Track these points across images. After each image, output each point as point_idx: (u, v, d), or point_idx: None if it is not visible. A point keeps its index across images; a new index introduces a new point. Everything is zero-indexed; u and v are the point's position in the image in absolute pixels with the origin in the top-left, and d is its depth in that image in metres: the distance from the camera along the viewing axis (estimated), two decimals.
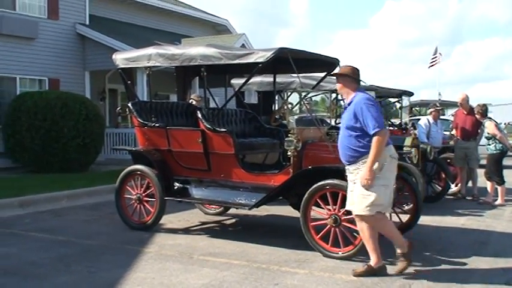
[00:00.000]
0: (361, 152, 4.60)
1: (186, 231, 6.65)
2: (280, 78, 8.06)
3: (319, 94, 8.91)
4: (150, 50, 6.63)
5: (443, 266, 5.09)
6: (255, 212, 6.96)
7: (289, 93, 8.08)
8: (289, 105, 8.11)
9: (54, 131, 11.65)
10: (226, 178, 6.11)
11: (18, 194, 8.53)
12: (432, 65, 25.73)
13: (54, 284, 4.59)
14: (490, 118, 8.86)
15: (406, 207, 6.46)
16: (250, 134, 7.14)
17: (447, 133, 10.79)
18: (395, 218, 6.20)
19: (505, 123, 23.43)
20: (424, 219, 6.59)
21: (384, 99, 10.73)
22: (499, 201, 8.63)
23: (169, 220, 7.03)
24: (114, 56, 7.00)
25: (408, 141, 8.13)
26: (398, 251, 4.77)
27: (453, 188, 9.43)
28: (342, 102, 10.48)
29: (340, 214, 5.18)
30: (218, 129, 6.07)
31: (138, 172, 6.58)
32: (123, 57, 6.89)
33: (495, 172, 8.70)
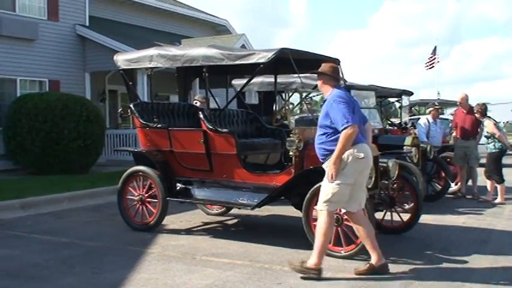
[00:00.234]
0: (333, 149, 4.63)
1: (189, 231, 6.68)
2: (281, 79, 8.10)
3: (320, 94, 8.92)
4: (152, 51, 6.66)
5: (444, 265, 5.13)
6: (257, 212, 6.99)
7: (290, 94, 8.12)
8: (290, 106, 8.15)
9: (54, 133, 11.66)
10: (228, 178, 6.13)
11: (19, 196, 8.53)
12: (430, 67, 25.74)
13: (59, 285, 4.60)
14: (489, 117, 8.90)
15: (407, 206, 6.50)
16: (251, 135, 7.17)
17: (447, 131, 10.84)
18: (396, 217, 6.24)
19: (503, 122, 23.47)
20: (425, 218, 6.63)
21: (383, 98, 10.75)
22: (498, 200, 8.67)
23: (171, 221, 7.05)
24: (115, 57, 7.02)
25: (408, 140, 8.18)
26: (311, 262, 4.67)
27: (453, 187, 9.47)
28: None
29: (341, 214, 5.21)
30: (220, 129, 6.10)
31: (140, 173, 6.61)
32: (124, 59, 6.91)
33: (495, 171, 8.75)
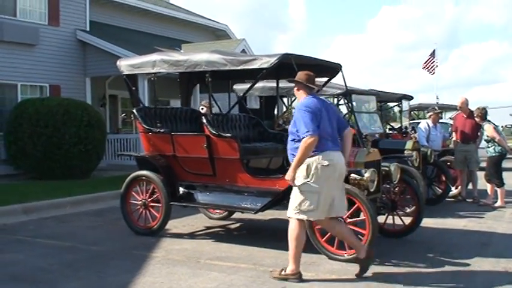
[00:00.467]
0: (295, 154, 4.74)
1: (192, 236, 6.71)
2: (282, 84, 8.14)
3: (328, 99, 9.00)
4: (155, 57, 6.71)
5: (447, 267, 5.17)
6: (259, 216, 7.02)
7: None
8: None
9: (55, 138, 11.68)
10: (231, 183, 6.17)
11: (21, 200, 8.56)
12: (432, 72, 25.76)
13: None
14: (489, 121, 8.96)
15: (408, 210, 6.54)
16: (254, 139, 7.21)
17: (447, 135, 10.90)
18: (398, 221, 6.29)
19: (502, 126, 23.55)
20: (426, 222, 6.67)
21: (384, 103, 10.81)
22: (499, 203, 8.72)
23: (174, 225, 7.08)
24: (118, 63, 7.06)
25: (409, 144, 8.24)
26: (289, 268, 4.74)
27: (453, 190, 9.52)
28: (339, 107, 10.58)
29: (344, 217, 5.25)
30: (223, 134, 6.14)
31: (144, 178, 6.65)
32: (127, 64, 6.95)
33: (495, 174, 8.80)
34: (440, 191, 9.06)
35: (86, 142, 12.02)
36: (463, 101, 9.39)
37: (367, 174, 5.33)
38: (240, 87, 9.18)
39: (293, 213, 4.77)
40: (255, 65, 5.79)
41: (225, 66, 6.04)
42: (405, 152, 8.14)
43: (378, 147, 6.92)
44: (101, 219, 7.98)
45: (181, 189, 6.58)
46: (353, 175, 5.33)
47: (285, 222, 7.30)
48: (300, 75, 4.96)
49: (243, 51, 17.02)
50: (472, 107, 9.49)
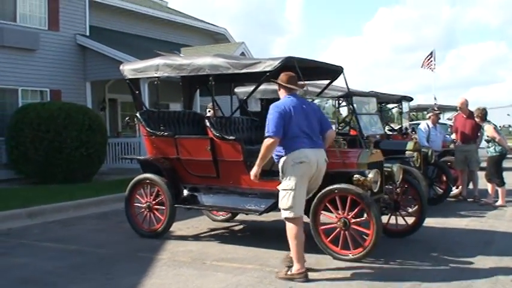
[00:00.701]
0: (277, 154, 4.96)
1: (196, 237, 6.76)
2: None
3: (323, 100, 9.09)
4: (158, 61, 6.76)
5: (451, 266, 5.23)
6: (263, 217, 7.08)
7: None
8: None
9: (57, 142, 11.71)
10: (235, 185, 6.21)
11: (24, 205, 8.58)
12: (431, 68, 25.84)
13: None
14: (489, 121, 9.03)
15: (410, 210, 6.60)
16: (256, 141, 7.24)
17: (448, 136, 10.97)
18: (400, 221, 6.35)
19: (500, 126, 23.65)
20: (428, 221, 6.72)
21: (384, 104, 10.89)
22: (499, 203, 8.78)
23: (178, 227, 7.13)
24: (121, 67, 7.11)
25: (410, 145, 8.31)
26: (294, 268, 4.83)
27: (454, 190, 9.58)
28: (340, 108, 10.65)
29: (349, 217, 5.31)
30: (227, 137, 6.19)
31: (148, 181, 6.70)
32: (130, 68, 7.01)
33: (495, 174, 8.86)
34: (441, 191, 9.12)
35: (88, 146, 12.05)
36: (463, 101, 9.46)
37: (370, 175, 5.38)
38: (241, 90, 9.24)
39: (283, 214, 4.93)
40: (259, 68, 5.85)
41: (228, 69, 6.10)
42: (406, 152, 8.21)
43: (379, 148, 6.99)
44: (105, 223, 8.02)
45: (185, 192, 6.63)
46: (357, 176, 5.38)
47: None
48: (281, 76, 5.12)
49: (243, 54, 17.10)
50: (470, 107, 9.57)
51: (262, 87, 9.20)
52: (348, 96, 7.70)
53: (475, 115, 9.09)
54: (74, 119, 11.98)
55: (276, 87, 8.06)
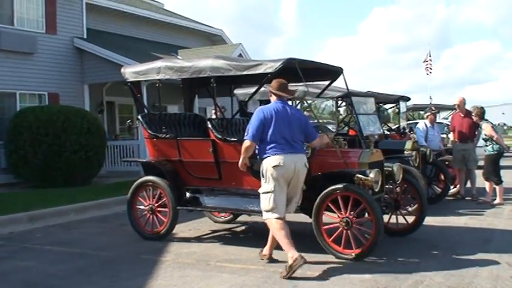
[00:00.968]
0: (259, 157, 5.29)
1: (199, 239, 6.80)
2: None
3: (323, 102, 9.15)
4: (159, 63, 6.80)
5: (452, 263, 5.29)
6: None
7: (297, 102, 8.29)
8: None
9: (56, 145, 11.72)
10: (237, 186, 6.26)
11: (25, 208, 8.61)
12: (429, 70, 26.06)
13: None
14: (487, 120, 9.12)
15: (410, 209, 6.66)
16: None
17: (444, 136, 11.06)
18: (401, 220, 6.41)
19: (495, 125, 23.80)
20: (428, 220, 6.76)
21: (381, 104, 10.97)
22: (497, 201, 8.86)
23: (180, 229, 7.17)
24: (123, 70, 7.14)
25: (409, 145, 8.39)
26: (289, 256, 4.98)
27: (452, 189, 9.66)
28: (340, 109, 10.72)
29: (351, 217, 5.37)
30: (229, 138, 6.24)
31: (150, 183, 6.73)
32: (132, 71, 7.04)
33: (493, 172, 8.94)
34: (439, 190, 9.20)
35: (87, 149, 12.07)
36: (461, 99, 9.54)
37: (371, 175, 5.43)
38: (241, 91, 9.28)
39: (264, 216, 5.27)
40: (260, 70, 5.90)
41: (229, 71, 6.14)
42: (405, 152, 8.29)
43: (378, 147, 7.05)
44: (106, 226, 8.05)
45: (187, 194, 6.67)
46: (358, 175, 5.44)
47: (291, 224, 7.44)
48: (273, 83, 5.42)
49: (240, 55, 17.15)
50: (465, 106, 9.63)
51: (261, 88, 9.27)
52: (347, 96, 7.76)
53: (473, 114, 9.17)
54: (72, 122, 11.99)
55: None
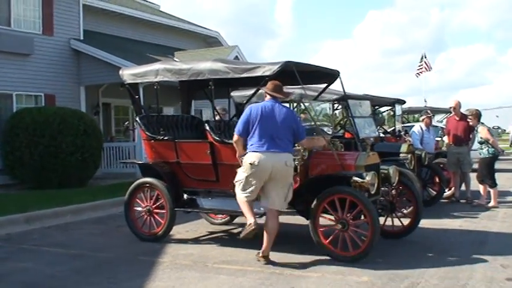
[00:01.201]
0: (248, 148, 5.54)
1: (196, 241, 6.83)
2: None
3: (320, 104, 9.18)
4: (158, 65, 6.84)
5: (447, 265, 5.34)
6: (261, 220, 7.14)
7: (294, 105, 8.34)
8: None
9: (52, 147, 11.73)
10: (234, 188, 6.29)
11: (22, 210, 8.61)
12: (419, 72, 26.26)
13: None
14: (483, 123, 9.19)
15: (406, 211, 6.72)
16: None
17: (439, 139, 11.15)
18: (396, 222, 6.47)
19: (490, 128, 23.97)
20: (423, 222, 6.82)
21: (377, 107, 11.03)
22: (492, 204, 8.93)
23: (177, 231, 7.19)
24: (121, 72, 7.18)
25: (404, 147, 8.46)
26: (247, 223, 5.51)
27: (447, 191, 9.73)
28: (336, 111, 10.78)
29: (348, 219, 5.42)
30: (226, 141, 6.28)
31: (148, 185, 6.76)
32: (130, 73, 7.07)
33: (487, 175, 9.01)
34: (434, 192, 9.27)
35: (83, 150, 12.08)
36: (457, 102, 9.61)
37: (368, 177, 5.49)
38: (237, 94, 9.31)
39: (237, 194, 5.66)
40: (258, 73, 5.94)
41: (227, 74, 6.19)
42: (401, 154, 8.35)
43: (374, 150, 7.10)
44: (103, 227, 8.07)
45: (185, 195, 6.70)
46: (355, 178, 5.49)
47: (287, 226, 7.49)
48: (268, 84, 5.63)
49: (236, 58, 17.20)
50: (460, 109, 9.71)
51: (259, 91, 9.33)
52: (344, 99, 7.80)
53: (469, 117, 9.23)
54: (69, 123, 12.00)
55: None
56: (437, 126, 14.36)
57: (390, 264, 5.38)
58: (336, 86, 7.18)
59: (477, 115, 9.14)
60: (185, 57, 16.74)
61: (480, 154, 9.08)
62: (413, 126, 11.34)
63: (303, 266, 5.39)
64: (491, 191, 8.99)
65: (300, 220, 6.45)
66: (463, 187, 9.73)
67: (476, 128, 9.16)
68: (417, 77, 26.31)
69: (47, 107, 13.14)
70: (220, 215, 7.65)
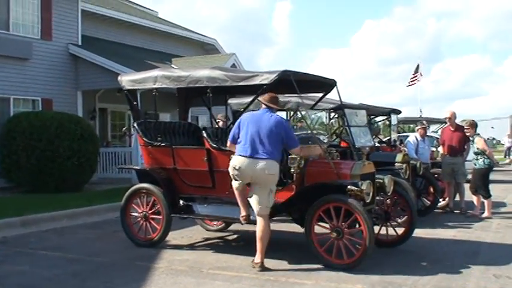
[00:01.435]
0: None
1: (191, 247, 6.86)
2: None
3: (316, 113, 9.29)
4: (156, 72, 6.90)
5: (440, 275, 5.40)
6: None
7: (292, 113, 8.43)
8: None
9: (49, 151, 11.75)
10: (230, 195, 6.31)
11: (18, 213, 8.62)
12: (411, 84, 26.49)
13: None
14: (479, 134, 9.26)
15: (400, 221, 6.78)
16: None
17: (434, 149, 11.23)
18: (391, 231, 6.52)
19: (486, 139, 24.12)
20: (417, 232, 6.88)
21: (373, 117, 11.12)
22: (485, 214, 9.00)
23: (172, 237, 7.22)
24: (120, 78, 7.23)
25: (399, 157, 8.53)
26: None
27: (441, 202, 9.79)
28: (332, 120, 10.84)
29: (343, 227, 5.47)
30: (223, 148, 6.33)
31: (144, 190, 6.80)
32: (129, 79, 7.13)
33: (482, 186, 9.07)
34: (428, 202, 9.33)
35: (79, 155, 12.10)
36: (452, 113, 9.69)
37: (363, 187, 5.54)
38: (234, 101, 9.39)
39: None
40: (256, 81, 6.01)
41: (225, 82, 6.25)
42: (396, 164, 8.42)
43: (369, 159, 7.17)
44: (99, 232, 8.08)
45: (181, 202, 6.73)
46: (350, 187, 5.55)
47: (283, 234, 7.53)
48: (264, 96, 5.81)
49: (234, 65, 17.29)
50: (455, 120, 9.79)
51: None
52: (340, 108, 7.89)
53: (465, 127, 9.30)
54: (66, 128, 12.04)
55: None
56: (432, 137, 14.47)
57: (384, 273, 5.42)
58: (332, 95, 7.27)
59: (473, 125, 9.22)
60: (182, 64, 16.82)
61: (475, 165, 9.13)
62: (408, 136, 11.42)
63: (298, 273, 5.44)
64: (485, 201, 9.06)
65: (295, 228, 6.50)
66: (457, 197, 9.80)
67: (472, 139, 9.21)
68: (407, 86, 26.52)
69: (44, 111, 13.18)
70: (216, 222, 7.69)
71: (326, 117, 9.76)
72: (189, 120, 11.50)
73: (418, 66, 26.59)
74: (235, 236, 7.61)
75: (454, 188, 9.72)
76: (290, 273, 5.45)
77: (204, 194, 6.62)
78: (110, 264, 5.95)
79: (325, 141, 9.71)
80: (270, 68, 6.15)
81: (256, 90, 6.20)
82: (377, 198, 6.33)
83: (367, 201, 5.68)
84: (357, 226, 5.57)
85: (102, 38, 17.10)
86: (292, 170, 5.92)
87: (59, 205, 9.53)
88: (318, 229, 5.73)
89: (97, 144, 13.18)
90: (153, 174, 6.78)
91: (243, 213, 5.85)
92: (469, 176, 9.74)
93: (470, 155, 9.40)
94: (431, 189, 9.29)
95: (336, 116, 10.14)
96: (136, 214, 6.87)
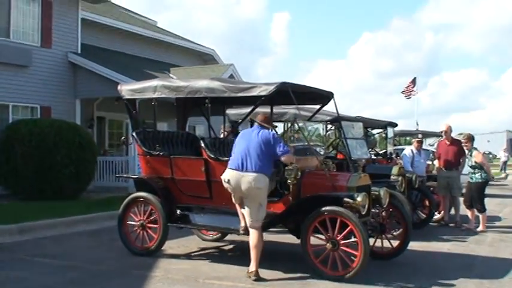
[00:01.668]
0: None
1: (188, 256, 6.89)
2: (275, 109, 8.43)
3: (312, 124, 9.37)
4: (156, 82, 6.96)
5: (434, 287, 5.44)
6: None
7: (289, 125, 8.50)
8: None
9: (47, 159, 11.75)
10: (227, 205, 6.37)
11: (15, 220, 8.63)
12: (406, 93, 26.64)
13: None
14: (476, 148, 9.32)
15: (395, 233, 6.83)
16: None
17: (429, 162, 11.31)
18: (386, 244, 6.57)
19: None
20: (412, 245, 6.93)
21: (369, 129, 11.20)
22: (480, 228, 9.05)
23: (169, 246, 7.24)
24: (119, 87, 7.29)
25: (395, 170, 8.59)
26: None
27: (437, 215, 9.84)
28: (329, 132, 10.92)
29: (338, 239, 5.52)
30: (221, 158, 6.39)
31: (142, 199, 6.84)
32: (128, 89, 7.19)
33: (478, 200, 9.11)
34: (424, 215, 9.38)
35: (77, 163, 12.12)
36: (448, 126, 9.76)
37: (359, 199, 5.60)
38: (232, 111, 9.45)
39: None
40: (254, 93, 6.09)
41: (224, 93, 6.32)
42: (391, 177, 8.48)
43: (365, 171, 7.23)
44: (96, 240, 8.11)
45: (178, 211, 6.77)
46: (346, 199, 5.60)
47: (277, 245, 7.57)
48: (258, 116, 6.05)
49: (231, 76, 17.40)
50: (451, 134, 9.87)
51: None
52: (337, 120, 7.96)
53: (463, 141, 9.36)
54: (64, 136, 12.05)
55: (265, 110, 8.35)
56: (428, 150, 14.56)
57: (378, 285, 5.46)
58: (329, 107, 7.36)
59: (471, 139, 9.29)
60: (181, 74, 16.91)
61: (472, 179, 9.16)
62: (404, 149, 11.50)
63: (294, 283, 5.47)
64: (480, 215, 9.11)
65: (291, 239, 6.54)
66: (453, 211, 9.85)
67: (470, 153, 9.26)
68: (402, 93, 26.67)
69: (43, 119, 13.22)
70: (212, 232, 7.72)
71: (323, 129, 9.83)
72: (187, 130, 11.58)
73: (415, 79, 26.79)
74: (231, 246, 7.65)
75: (449, 201, 9.78)
76: (286, 283, 5.49)
77: (201, 204, 6.66)
78: (107, 272, 5.98)
79: (322, 152, 9.80)
80: (267, 78, 6.25)
81: (254, 101, 6.28)
82: (372, 210, 6.38)
83: (363, 213, 5.73)
84: (352, 238, 5.62)
85: (102, 47, 17.19)
86: (288, 181, 5.97)
87: (56, 213, 9.55)
88: (313, 240, 5.78)
89: (95, 152, 13.21)
90: (150, 183, 6.83)
91: (242, 224, 5.96)
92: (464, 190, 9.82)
93: (466, 169, 9.46)
94: (427, 202, 9.34)
95: (333, 128, 10.23)
96: (133, 223, 6.90)
